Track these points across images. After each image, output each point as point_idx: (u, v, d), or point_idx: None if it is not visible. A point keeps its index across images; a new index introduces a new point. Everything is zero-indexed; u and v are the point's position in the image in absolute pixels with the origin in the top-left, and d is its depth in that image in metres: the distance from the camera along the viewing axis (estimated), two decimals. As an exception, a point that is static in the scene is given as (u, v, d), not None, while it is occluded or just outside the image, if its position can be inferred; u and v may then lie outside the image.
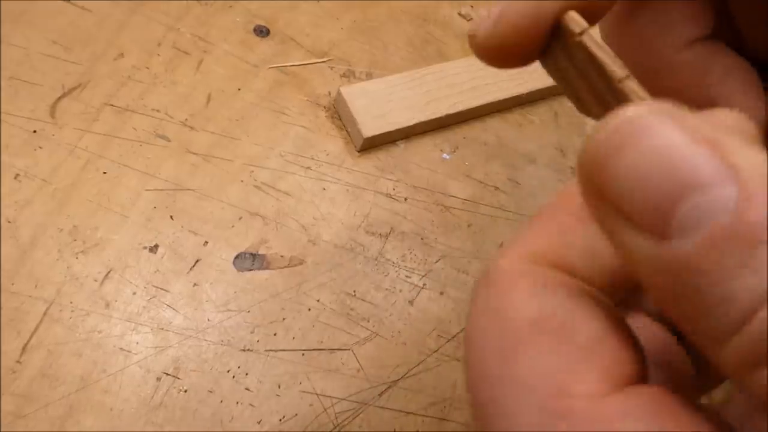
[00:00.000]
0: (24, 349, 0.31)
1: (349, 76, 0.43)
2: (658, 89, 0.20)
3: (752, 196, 0.11)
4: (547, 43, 0.18)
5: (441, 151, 0.42)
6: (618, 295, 0.16)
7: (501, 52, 0.17)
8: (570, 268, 0.15)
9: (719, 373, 0.17)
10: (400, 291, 0.36)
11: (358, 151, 0.40)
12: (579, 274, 0.15)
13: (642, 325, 0.17)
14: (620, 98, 0.16)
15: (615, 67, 0.16)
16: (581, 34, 0.17)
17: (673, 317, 0.13)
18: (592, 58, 0.16)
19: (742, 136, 0.13)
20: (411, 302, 0.36)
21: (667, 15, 0.21)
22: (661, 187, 0.11)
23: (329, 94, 0.42)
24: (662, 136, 0.12)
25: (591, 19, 0.17)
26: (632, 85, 0.16)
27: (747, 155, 0.11)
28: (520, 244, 0.16)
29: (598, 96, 0.17)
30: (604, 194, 0.12)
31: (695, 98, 0.21)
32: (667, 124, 0.12)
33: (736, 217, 0.11)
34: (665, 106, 0.12)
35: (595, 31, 0.17)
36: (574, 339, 0.14)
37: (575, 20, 0.17)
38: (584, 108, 0.18)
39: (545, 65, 0.18)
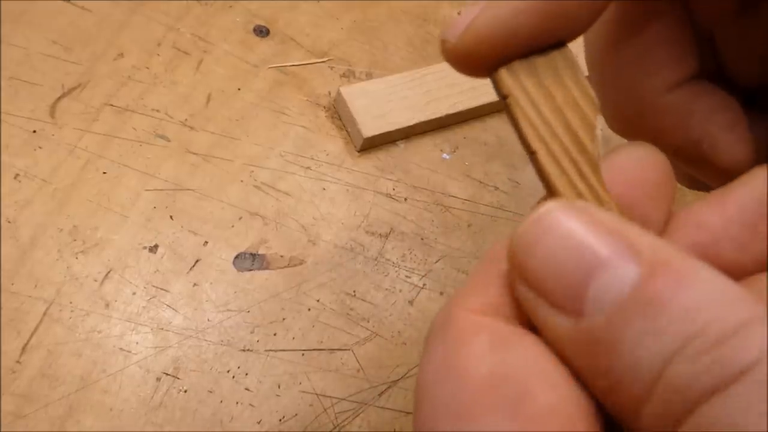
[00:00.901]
0: (24, 349, 0.31)
1: (349, 76, 0.43)
2: (644, 130, 0.21)
3: (655, 268, 0.12)
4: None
5: (441, 151, 0.42)
6: None
7: (468, 62, 0.17)
8: (525, 319, 0.15)
9: None
10: (400, 291, 0.36)
11: (358, 151, 0.40)
12: (533, 325, 0.15)
13: None
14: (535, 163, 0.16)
15: (533, 138, 0.16)
16: (507, 97, 0.16)
17: (594, 392, 0.13)
18: (514, 120, 0.16)
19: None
20: (411, 302, 0.36)
21: (651, 59, 0.21)
22: (571, 271, 0.13)
23: (329, 94, 0.42)
24: (569, 227, 0.13)
25: (569, 31, 0.17)
26: (542, 159, 0.16)
27: (647, 238, 0.13)
28: (477, 291, 0.16)
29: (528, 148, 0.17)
30: (526, 279, 0.14)
31: (680, 138, 0.21)
32: (573, 218, 0.13)
33: (639, 289, 0.12)
34: (578, 203, 0.14)
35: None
36: (532, 403, 0.13)
37: (504, 81, 0.16)
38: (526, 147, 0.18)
39: (493, 79, 0.18)
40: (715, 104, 0.21)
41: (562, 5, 0.16)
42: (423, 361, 0.15)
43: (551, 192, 0.16)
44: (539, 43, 0.17)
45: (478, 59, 0.17)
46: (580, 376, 0.14)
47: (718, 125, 0.21)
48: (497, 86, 0.17)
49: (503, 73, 0.16)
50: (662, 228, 0.17)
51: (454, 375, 0.14)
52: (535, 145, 0.16)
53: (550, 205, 0.14)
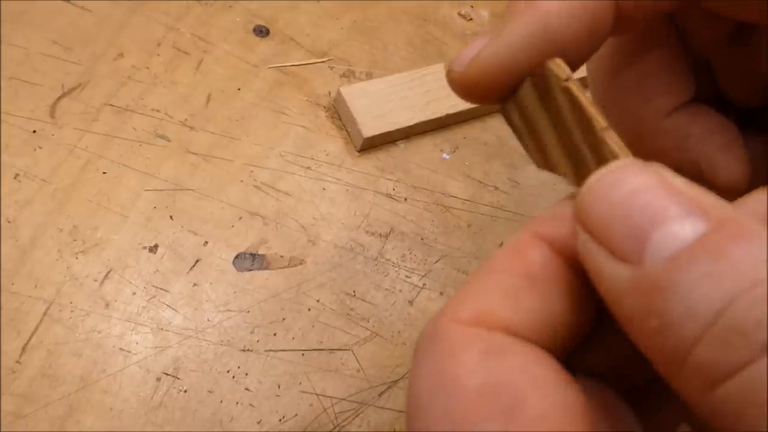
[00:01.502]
0: (24, 349, 0.31)
1: (349, 76, 0.43)
2: (644, 151, 0.21)
3: (722, 224, 0.13)
4: (515, 89, 0.18)
5: (441, 151, 0.42)
6: (563, 356, 0.16)
7: (473, 91, 0.18)
8: (516, 330, 0.15)
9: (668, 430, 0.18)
10: (400, 291, 0.36)
11: (358, 151, 0.40)
12: (525, 335, 0.15)
13: (587, 386, 0.17)
14: (599, 147, 0.16)
15: (598, 115, 0.16)
16: (567, 80, 0.17)
17: (639, 342, 0.13)
18: (575, 104, 0.16)
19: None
20: (411, 302, 0.36)
21: (649, 86, 0.22)
22: (638, 219, 0.13)
23: (329, 94, 0.42)
24: (643, 180, 0.14)
25: (569, 63, 0.18)
26: (613, 135, 0.16)
27: (716, 201, 0.14)
28: (466, 303, 0.16)
29: (567, 146, 0.17)
30: (591, 226, 0.14)
31: (679, 160, 0.22)
32: (647, 173, 0.14)
33: (704, 238, 0.13)
34: (652, 163, 0.14)
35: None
36: (525, 411, 0.14)
37: (561, 66, 0.17)
38: (544, 159, 0.18)
39: (506, 109, 0.18)
40: (711, 126, 0.22)
41: (561, 41, 0.17)
42: (414, 373, 0.15)
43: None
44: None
45: (482, 89, 0.18)
46: (627, 323, 0.14)
47: (715, 146, 0.22)
48: (549, 74, 0.17)
49: (558, 60, 0.17)
50: None
51: (446, 386, 0.14)
52: (605, 122, 0.16)
53: (626, 160, 0.14)
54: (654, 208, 0.13)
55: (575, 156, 0.17)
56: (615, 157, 0.16)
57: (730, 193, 0.20)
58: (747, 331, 0.12)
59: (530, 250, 0.16)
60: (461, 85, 0.18)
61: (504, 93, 0.18)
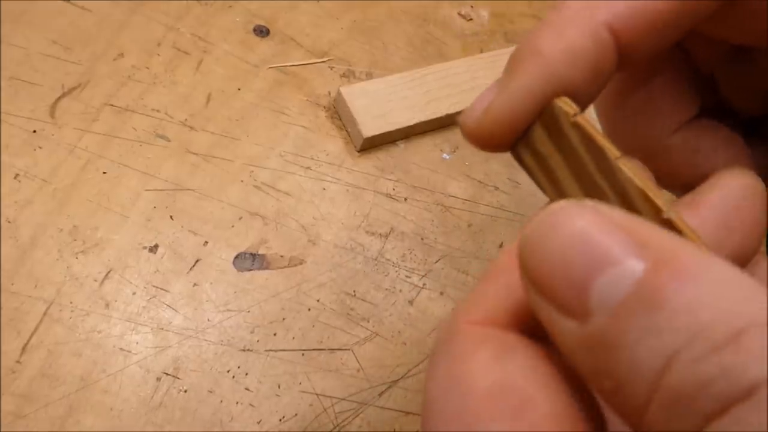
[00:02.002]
0: (24, 349, 0.31)
1: (349, 76, 0.43)
2: (652, 169, 0.22)
3: (660, 262, 0.12)
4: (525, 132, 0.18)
5: (441, 151, 0.42)
6: None
7: (489, 142, 0.18)
8: (527, 328, 0.15)
9: None
10: (400, 291, 0.36)
11: (358, 151, 0.40)
12: (536, 333, 0.15)
13: None
14: (614, 177, 0.16)
15: (610, 145, 0.16)
16: (575, 114, 0.17)
17: (601, 396, 0.13)
18: (586, 137, 0.17)
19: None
20: (411, 302, 0.36)
21: (655, 106, 0.22)
22: (576, 269, 0.13)
23: (329, 94, 0.42)
24: (576, 223, 0.13)
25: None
26: (627, 163, 0.16)
27: (656, 233, 0.13)
28: (478, 303, 0.16)
29: (583, 180, 0.17)
30: (533, 281, 0.14)
31: (688, 175, 0.22)
32: (581, 214, 0.13)
33: (641, 284, 0.12)
34: (587, 201, 0.13)
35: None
36: (534, 411, 0.14)
37: (568, 103, 0.17)
38: (559, 193, 0.18)
39: (518, 153, 0.19)
40: (718, 140, 0.22)
41: (567, 86, 0.17)
42: (429, 375, 0.16)
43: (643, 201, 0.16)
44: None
45: (495, 140, 0.18)
46: (587, 380, 0.13)
47: (723, 159, 0.22)
48: (558, 111, 0.17)
49: (564, 98, 0.17)
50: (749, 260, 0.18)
51: (458, 388, 0.14)
52: (618, 151, 0.16)
53: (559, 203, 0.14)
54: (592, 252, 0.12)
55: (591, 189, 0.17)
56: (632, 184, 0.16)
57: None
58: (689, 397, 0.11)
59: None
60: (476, 138, 0.18)
61: (515, 137, 0.18)
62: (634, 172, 0.16)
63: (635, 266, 0.12)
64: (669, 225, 0.15)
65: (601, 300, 0.12)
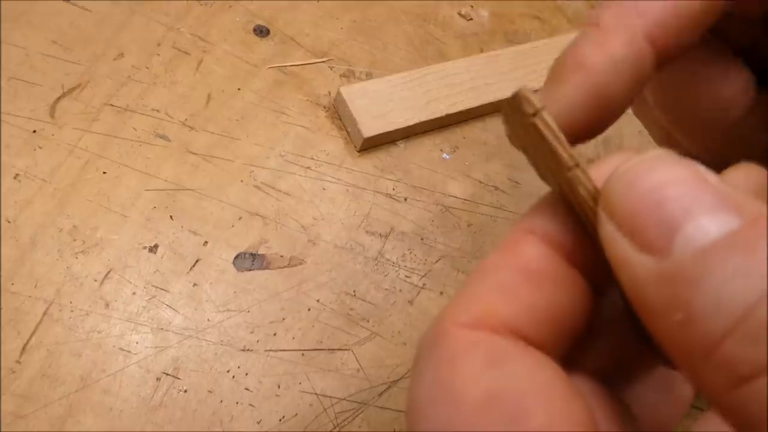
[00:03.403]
0: (24, 349, 0.31)
1: (349, 76, 0.43)
2: (724, 142, 0.22)
3: (757, 221, 0.13)
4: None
5: (441, 151, 0.42)
6: (562, 354, 0.16)
7: None
8: (516, 328, 0.15)
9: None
10: (400, 291, 0.36)
11: (358, 151, 0.40)
12: (525, 333, 0.15)
13: (587, 383, 0.17)
14: (570, 183, 0.16)
15: (566, 154, 0.16)
16: (534, 115, 0.16)
17: (661, 335, 0.13)
18: (543, 140, 0.16)
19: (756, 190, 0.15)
20: (411, 302, 0.36)
21: (711, 81, 0.22)
22: (669, 210, 0.13)
23: (329, 94, 0.42)
24: (678, 172, 0.14)
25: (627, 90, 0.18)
26: (580, 175, 0.16)
27: (748, 199, 0.13)
28: (466, 304, 0.15)
29: (548, 168, 0.17)
30: (618, 217, 0.14)
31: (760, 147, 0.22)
32: (682, 165, 0.14)
33: (738, 233, 0.12)
34: (684, 158, 0.14)
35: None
36: (528, 423, 0.13)
37: (528, 100, 0.16)
38: (542, 176, 0.18)
39: (509, 134, 0.19)
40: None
41: (609, 95, 0.17)
42: (415, 380, 0.15)
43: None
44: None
45: None
46: (652, 314, 0.13)
47: None
48: (519, 107, 0.17)
49: (525, 92, 0.17)
50: None
51: (448, 397, 0.14)
52: (573, 160, 0.16)
53: (660, 151, 0.14)
54: (686, 200, 0.13)
55: (557, 181, 0.17)
56: (582, 199, 0.16)
57: None
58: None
59: (524, 246, 0.16)
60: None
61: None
62: (585, 185, 0.16)
63: (730, 220, 0.13)
64: None
65: (688, 240, 0.13)
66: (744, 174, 0.17)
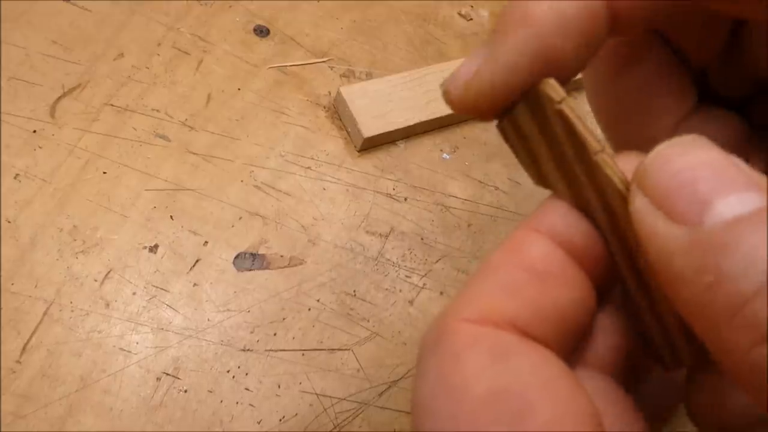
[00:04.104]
0: (24, 349, 0.31)
1: (349, 76, 0.43)
2: None
3: None
4: (511, 106, 0.17)
5: (441, 151, 0.42)
6: (566, 351, 0.16)
7: (472, 113, 0.18)
8: (521, 325, 0.15)
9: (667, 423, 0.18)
10: (400, 291, 0.36)
11: (358, 151, 0.40)
12: (530, 330, 0.15)
13: (591, 380, 0.17)
14: (592, 170, 0.16)
15: (592, 139, 0.16)
16: (560, 102, 0.16)
17: (687, 300, 0.14)
18: (569, 127, 0.16)
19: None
20: (411, 302, 0.36)
21: (652, 103, 0.22)
22: (702, 186, 0.14)
23: (329, 94, 0.42)
24: (711, 153, 0.14)
25: (562, 78, 0.17)
26: (607, 159, 0.16)
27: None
28: (470, 301, 0.15)
29: (562, 165, 0.17)
30: (653, 190, 0.15)
31: None
32: (715, 149, 0.14)
33: (765, 207, 0.13)
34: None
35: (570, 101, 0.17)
36: (533, 419, 0.13)
37: (554, 88, 0.17)
38: (539, 176, 0.18)
39: (502, 126, 0.18)
40: (720, 128, 0.22)
41: (557, 53, 0.16)
42: (419, 376, 0.15)
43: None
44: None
45: (479, 110, 0.18)
46: (676, 283, 0.14)
47: (730, 148, 0.22)
48: (543, 96, 0.17)
49: (552, 81, 0.17)
50: None
51: (452, 392, 0.14)
52: (600, 145, 0.16)
53: (694, 136, 0.15)
54: (718, 179, 0.14)
55: (569, 175, 0.17)
56: (609, 181, 0.16)
57: None
58: None
59: (529, 244, 0.16)
60: (459, 107, 0.18)
61: (501, 111, 0.18)
62: (612, 168, 0.16)
63: (758, 199, 0.13)
64: None
65: (719, 213, 0.13)
66: None
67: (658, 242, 0.14)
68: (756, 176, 0.14)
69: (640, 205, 0.15)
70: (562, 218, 0.17)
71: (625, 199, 0.16)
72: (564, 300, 0.16)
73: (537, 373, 0.14)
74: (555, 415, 0.14)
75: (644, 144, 0.22)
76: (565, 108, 0.16)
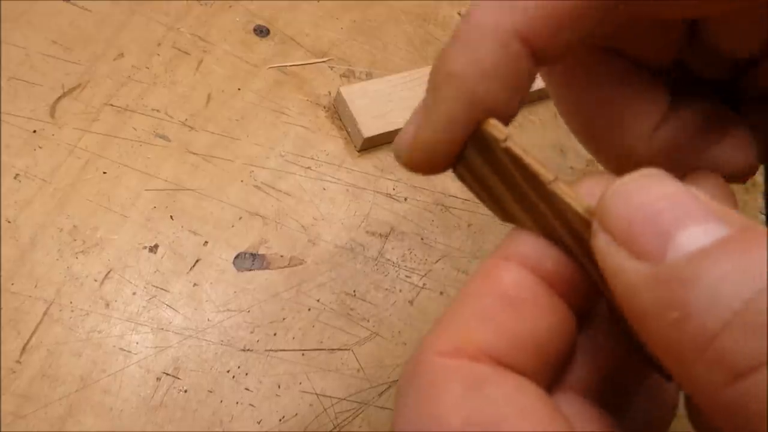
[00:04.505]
0: (24, 349, 0.31)
1: (349, 76, 0.43)
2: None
3: (746, 230, 0.13)
4: (460, 154, 0.18)
5: (441, 151, 0.42)
6: (546, 377, 0.16)
7: (424, 170, 0.18)
8: (496, 355, 0.15)
9: None
10: (400, 291, 0.36)
11: (358, 151, 0.40)
12: (505, 359, 0.15)
13: (570, 404, 0.17)
14: (551, 200, 0.16)
15: (543, 170, 0.16)
16: (505, 140, 0.16)
17: (654, 337, 0.14)
18: (518, 162, 0.16)
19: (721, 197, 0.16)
20: (411, 302, 0.36)
21: (623, 113, 0.21)
22: (663, 221, 0.14)
23: (329, 94, 0.42)
24: (669, 187, 0.14)
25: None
26: (562, 186, 0.16)
27: (736, 213, 0.14)
28: (445, 333, 0.16)
29: (520, 198, 0.17)
30: (613, 227, 0.15)
31: (681, 170, 0.21)
32: (674, 182, 0.14)
33: (730, 238, 0.13)
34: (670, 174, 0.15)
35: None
36: None
37: (497, 127, 0.17)
38: (504, 212, 0.18)
39: (459, 172, 0.18)
40: (698, 124, 0.21)
41: (489, 101, 0.17)
42: (397, 411, 0.15)
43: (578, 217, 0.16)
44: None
45: (430, 167, 0.18)
46: (645, 316, 0.14)
47: (710, 143, 0.21)
48: (488, 136, 0.17)
49: (494, 121, 0.17)
50: None
51: (429, 424, 0.14)
52: (552, 174, 0.16)
53: (652, 169, 0.15)
54: (678, 212, 0.14)
55: (530, 207, 0.17)
56: (569, 208, 0.16)
57: (741, 178, 0.21)
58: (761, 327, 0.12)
59: (502, 271, 0.16)
60: (411, 168, 0.18)
61: (452, 161, 0.18)
62: (569, 195, 0.16)
63: (720, 229, 0.13)
64: None
65: (681, 246, 0.13)
66: (703, 180, 0.18)
67: (622, 279, 0.14)
68: (715, 206, 0.14)
69: (602, 243, 0.15)
70: (531, 245, 0.17)
71: (587, 223, 0.16)
72: (539, 326, 0.16)
73: (512, 402, 0.14)
74: None
75: (624, 153, 0.22)
76: (510, 145, 0.16)
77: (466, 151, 0.18)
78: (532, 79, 0.17)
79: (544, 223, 0.17)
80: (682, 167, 0.21)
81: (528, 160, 0.16)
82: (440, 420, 0.14)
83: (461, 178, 0.19)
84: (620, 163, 0.22)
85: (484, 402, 0.14)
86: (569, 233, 0.16)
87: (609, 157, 0.22)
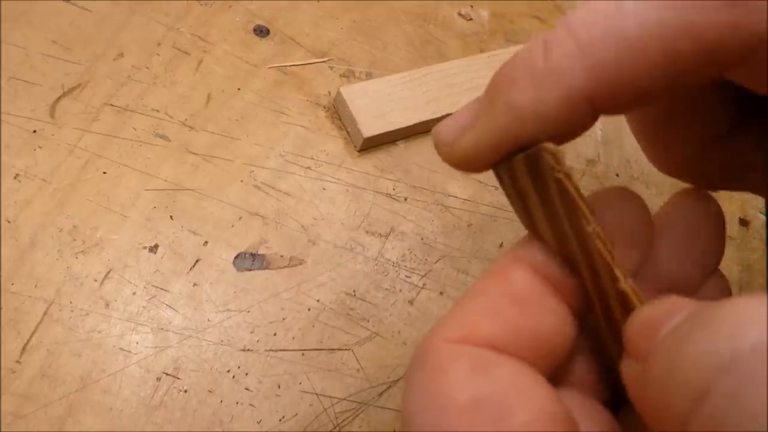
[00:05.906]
0: (24, 349, 0.31)
1: (349, 76, 0.43)
2: (691, 182, 0.22)
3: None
4: (507, 156, 0.18)
5: (441, 151, 0.42)
6: (545, 372, 0.17)
7: (460, 167, 0.19)
8: (500, 345, 0.16)
9: None
10: (400, 291, 0.36)
11: (358, 151, 0.40)
12: (507, 350, 0.16)
13: (570, 397, 0.18)
14: (584, 240, 0.17)
15: (588, 212, 0.17)
16: (560, 172, 0.17)
17: (653, 420, 0.14)
18: (565, 195, 0.17)
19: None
20: (411, 302, 0.36)
21: (684, 125, 0.21)
22: (648, 320, 0.15)
23: (329, 94, 0.42)
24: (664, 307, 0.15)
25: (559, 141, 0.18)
26: (599, 232, 0.17)
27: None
28: (454, 323, 0.17)
29: (554, 223, 0.17)
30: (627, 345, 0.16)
31: (738, 184, 0.22)
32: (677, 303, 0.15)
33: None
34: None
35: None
36: (512, 421, 0.14)
37: (556, 156, 0.17)
38: (529, 221, 0.18)
39: (498, 173, 0.19)
40: (751, 143, 0.22)
41: (538, 133, 0.17)
42: (406, 391, 0.16)
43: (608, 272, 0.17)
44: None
45: (469, 166, 0.19)
46: (651, 413, 0.14)
47: (758, 167, 0.22)
48: (543, 162, 0.17)
49: (551, 147, 0.17)
50: (635, 269, 0.19)
51: (437, 402, 0.15)
52: (594, 221, 0.17)
53: (669, 299, 0.16)
54: (663, 310, 0.15)
55: (560, 234, 0.17)
56: (598, 253, 0.17)
57: None
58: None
59: (512, 272, 0.17)
60: (449, 161, 0.19)
61: (492, 164, 0.18)
62: (602, 240, 0.17)
63: (687, 308, 0.15)
64: (623, 296, 0.17)
65: (659, 343, 0.14)
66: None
67: (626, 381, 0.15)
68: (692, 301, 0.15)
69: (631, 372, 0.16)
70: (542, 252, 0.18)
71: (609, 269, 0.17)
72: (542, 324, 0.17)
73: (514, 382, 0.15)
74: (532, 416, 0.14)
75: (678, 162, 0.22)
76: (563, 177, 0.17)
77: (514, 158, 0.18)
78: (586, 126, 0.18)
79: (566, 246, 0.17)
80: (736, 185, 0.22)
81: (577, 198, 0.17)
82: (448, 396, 0.15)
83: (499, 178, 0.19)
84: (671, 171, 0.23)
85: (489, 380, 0.15)
86: (587, 265, 0.17)
87: (664, 166, 0.23)
